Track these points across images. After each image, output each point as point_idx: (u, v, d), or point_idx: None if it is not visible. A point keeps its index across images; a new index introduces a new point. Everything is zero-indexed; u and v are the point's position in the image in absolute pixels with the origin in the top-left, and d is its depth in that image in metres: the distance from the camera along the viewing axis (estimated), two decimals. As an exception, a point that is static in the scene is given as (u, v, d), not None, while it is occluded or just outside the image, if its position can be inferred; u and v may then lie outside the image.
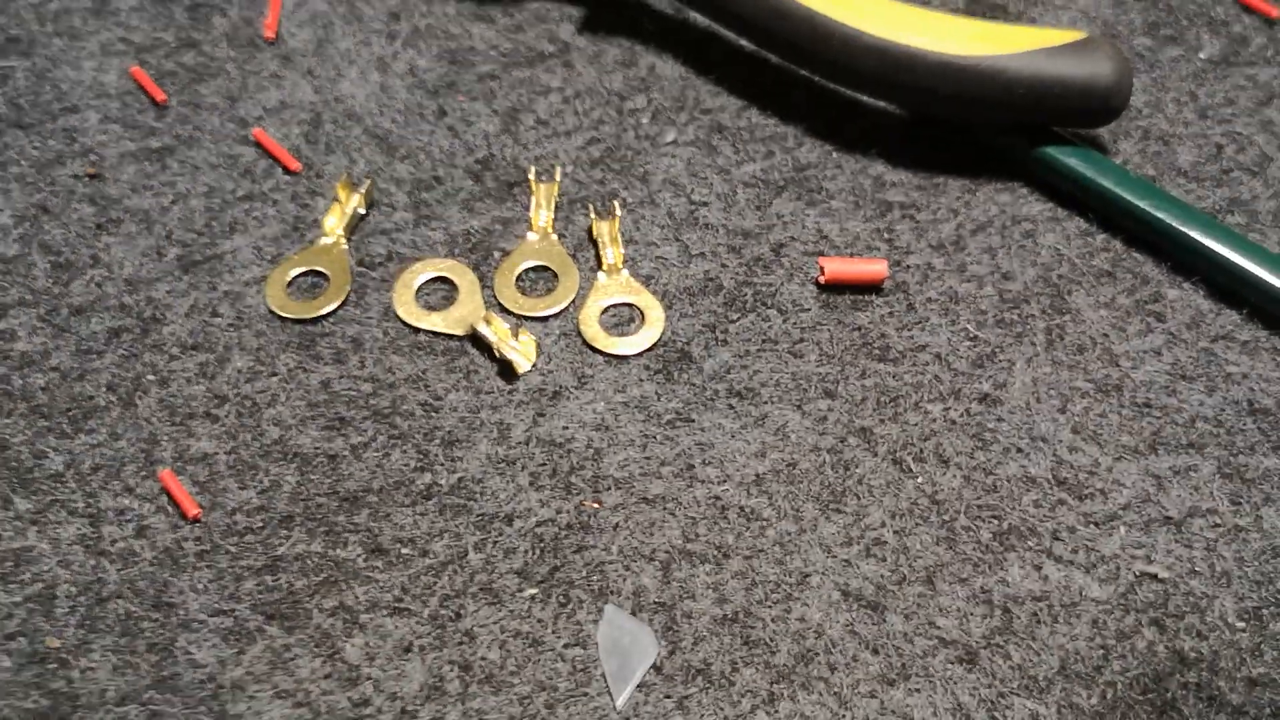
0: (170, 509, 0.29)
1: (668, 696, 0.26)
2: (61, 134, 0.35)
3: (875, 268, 0.33)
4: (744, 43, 0.37)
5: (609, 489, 0.29)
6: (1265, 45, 0.38)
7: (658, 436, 0.30)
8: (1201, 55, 0.38)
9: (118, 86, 0.37)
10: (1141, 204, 0.33)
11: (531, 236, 0.33)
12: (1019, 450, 0.30)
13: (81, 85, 0.37)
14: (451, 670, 0.27)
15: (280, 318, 0.32)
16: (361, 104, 0.36)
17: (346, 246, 0.33)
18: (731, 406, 0.31)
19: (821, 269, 0.33)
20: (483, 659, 0.27)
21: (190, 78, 0.37)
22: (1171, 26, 0.38)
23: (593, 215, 0.34)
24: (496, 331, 0.31)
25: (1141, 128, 0.36)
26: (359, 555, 0.28)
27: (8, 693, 0.26)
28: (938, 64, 0.32)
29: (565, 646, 0.27)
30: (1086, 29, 0.38)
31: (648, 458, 0.30)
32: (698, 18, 0.37)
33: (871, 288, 0.33)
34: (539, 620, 0.27)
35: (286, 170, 0.35)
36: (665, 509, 0.29)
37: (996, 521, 0.29)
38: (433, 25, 0.38)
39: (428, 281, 0.33)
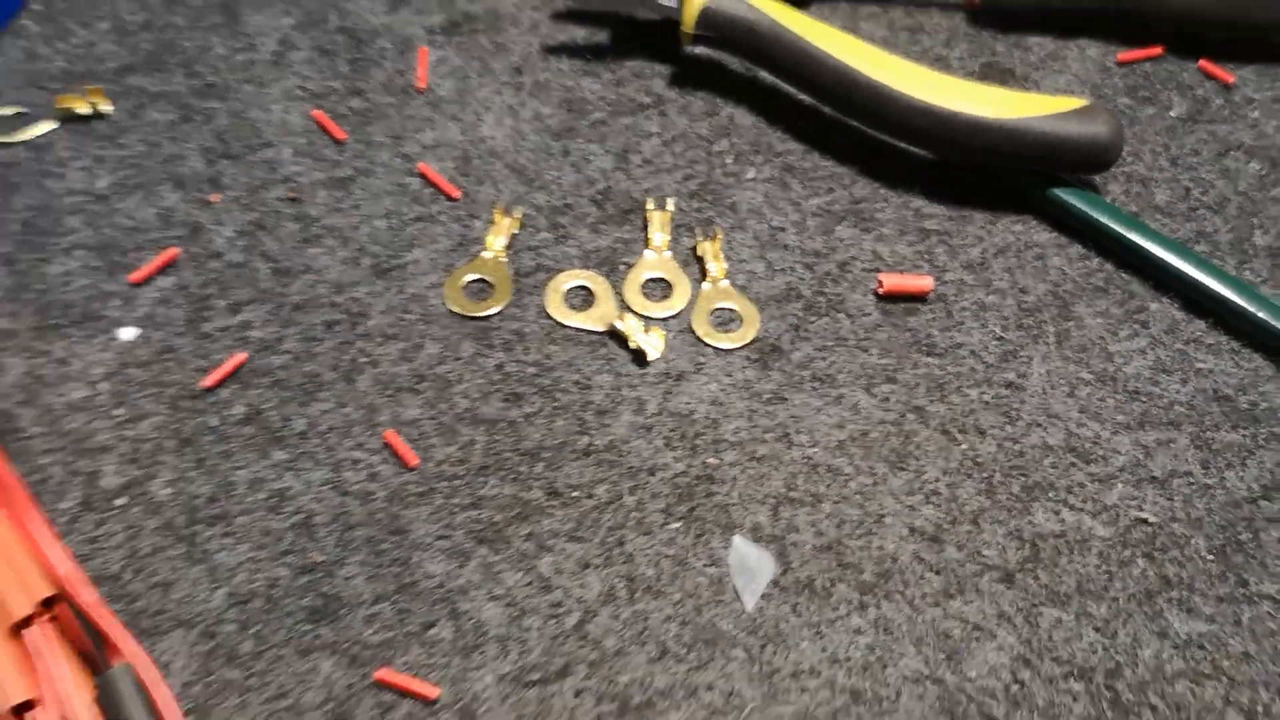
0: (393, 461, 0.38)
1: (784, 603, 0.35)
2: (263, 164, 0.44)
3: (923, 282, 0.42)
4: (804, 97, 0.46)
5: (725, 450, 0.38)
6: (1223, 106, 0.47)
7: (760, 411, 0.39)
8: (1172, 113, 0.47)
9: (303, 126, 0.45)
10: (1128, 235, 0.42)
11: (648, 254, 0.42)
12: (1038, 425, 0.39)
13: (273, 125, 0.45)
14: (620, 582, 0.36)
15: (458, 315, 0.41)
16: (500, 143, 0.45)
17: (505, 260, 0.42)
18: (815, 388, 0.40)
19: (880, 283, 0.42)
20: (642, 574, 0.36)
21: (360, 120, 0.45)
22: (1147, 89, 0.48)
23: (699, 237, 0.43)
24: (630, 327, 0.40)
25: (1126, 173, 0.45)
26: (541, 497, 0.37)
27: (289, 594, 0.35)
28: (974, 124, 0.42)
29: (704, 566, 0.36)
30: (1080, 92, 0.47)
31: (754, 426, 0.39)
32: (766, 75, 0.46)
33: (919, 298, 0.42)
34: (682, 547, 0.36)
35: (448, 197, 0.44)
36: (770, 466, 0.38)
37: (1024, 478, 0.38)
38: (550, 79, 0.47)
39: (571, 288, 0.42)
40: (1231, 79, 0.47)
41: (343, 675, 0.33)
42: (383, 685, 0.33)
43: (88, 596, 0.33)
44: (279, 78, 0.46)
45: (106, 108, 0.45)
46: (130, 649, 0.32)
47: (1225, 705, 0.34)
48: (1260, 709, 0.34)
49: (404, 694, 0.33)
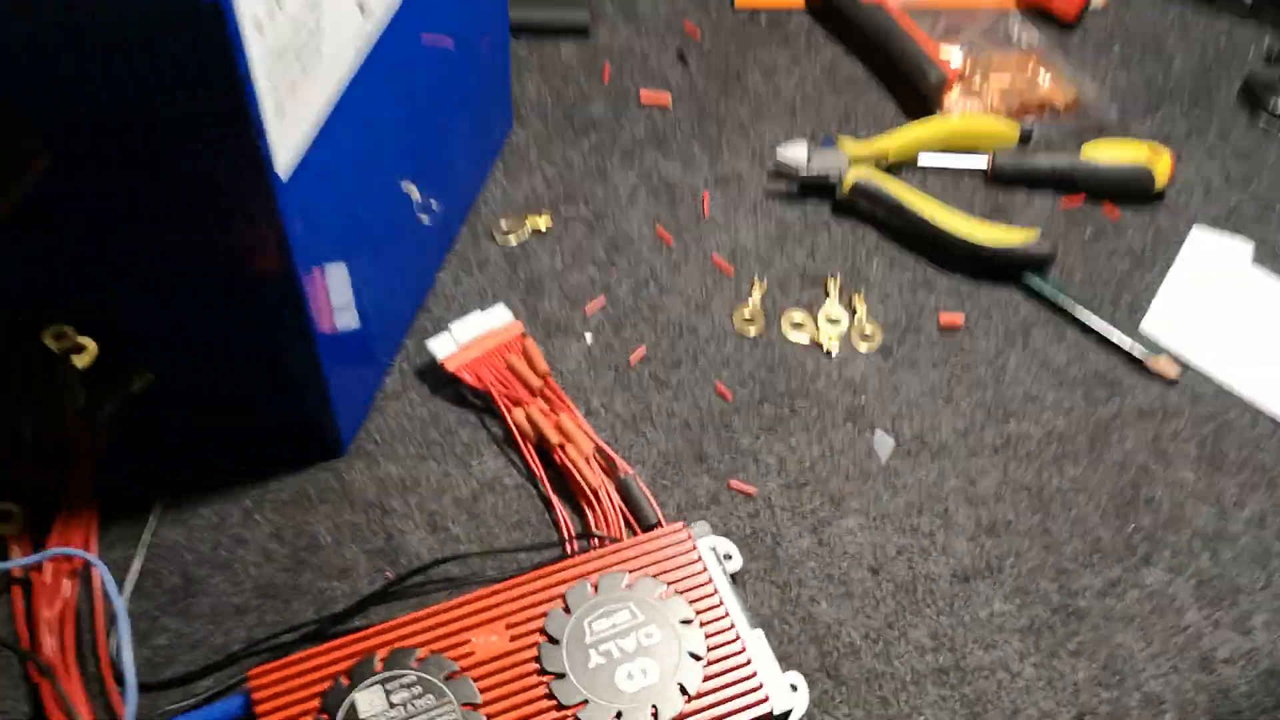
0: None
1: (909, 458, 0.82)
2: (631, 258, 0.91)
3: (955, 318, 0.89)
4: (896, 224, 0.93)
5: (872, 388, 0.85)
6: (1113, 231, 0.95)
7: (885, 370, 0.86)
8: (1086, 235, 0.94)
9: (650, 233, 0.92)
10: (1073, 307, 0.89)
11: (828, 302, 0.90)
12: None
13: (634, 233, 0.92)
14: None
15: (737, 335, 0.88)
16: (749, 243, 0.91)
17: (759, 305, 0.89)
18: (910, 368, 0.87)
19: (939, 319, 0.89)
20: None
21: (680, 230, 0.92)
22: (1073, 221, 0.95)
23: (853, 292, 0.90)
24: (822, 336, 0.87)
25: (1060, 266, 0.92)
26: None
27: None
28: (987, 248, 0.89)
29: (857, 441, 0.83)
30: (1040, 222, 0.94)
31: (891, 377, 0.86)
32: (880, 213, 0.93)
33: (954, 329, 0.89)
34: (848, 437, 0.83)
35: (725, 273, 0.91)
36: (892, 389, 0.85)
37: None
38: (771, 208, 0.93)
39: (794, 322, 0.89)
40: (1118, 214, 0.95)
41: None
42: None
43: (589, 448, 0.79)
44: (632, 206, 0.93)
45: (548, 223, 0.92)
46: (624, 466, 0.79)
47: None
48: None
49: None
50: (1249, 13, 1.00)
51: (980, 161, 0.91)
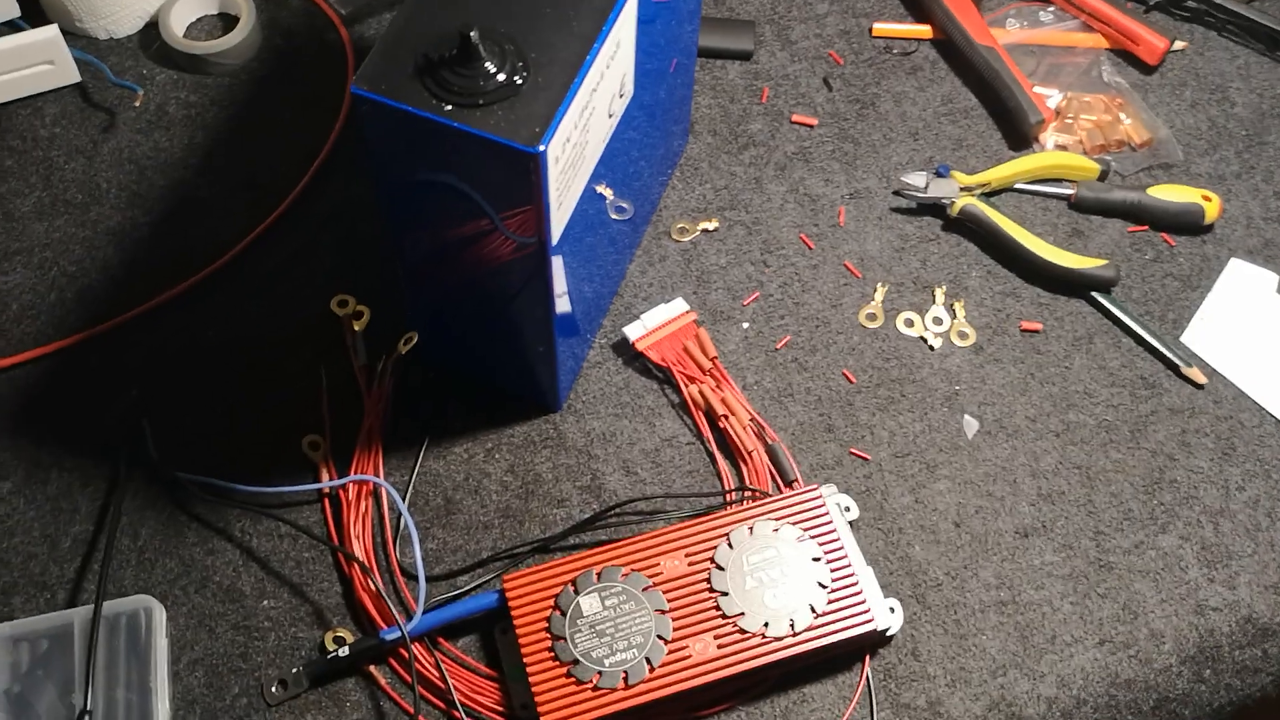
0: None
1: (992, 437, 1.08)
2: (777, 259, 1.16)
3: (1037, 324, 1.13)
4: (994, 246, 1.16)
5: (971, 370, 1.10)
6: (1168, 254, 1.18)
7: (977, 361, 1.11)
8: (1147, 258, 1.18)
9: (794, 240, 1.17)
10: (1123, 318, 1.13)
11: (934, 306, 1.14)
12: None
13: (781, 237, 1.17)
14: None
15: (861, 327, 1.13)
16: (874, 252, 1.16)
17: (882, 304, 1.14)
18: (994, 357, 1.12)
19: (1021, 325, 1.13)
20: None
21: (819, 238, 1.17)
22: (1138, 247, 1.18)
23: (955, 300, 1.15)
24: (928, 332, 1.13)
25: (1123, 288, 1.16)
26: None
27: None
28: (1065, 269, 1.13)
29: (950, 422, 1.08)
30: (1110, 248, 1.17)
31: (980, 367, 1.11)
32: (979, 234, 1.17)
33: (1034, 333, 1.13)
34: (941, 416, 1.09)
35: (854, 276, 1.15)
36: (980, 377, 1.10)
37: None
38: (893, 223, 1.18)
39: (905, 318, 1.14)
40: (1174, 242, 1.18)
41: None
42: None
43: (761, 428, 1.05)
44: (782, 214, 1.18)
45: (715, 225, 1.17)
46: (771, 434, 1.05)
47: None
48: None
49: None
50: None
51: (1066, 189, 1.14)
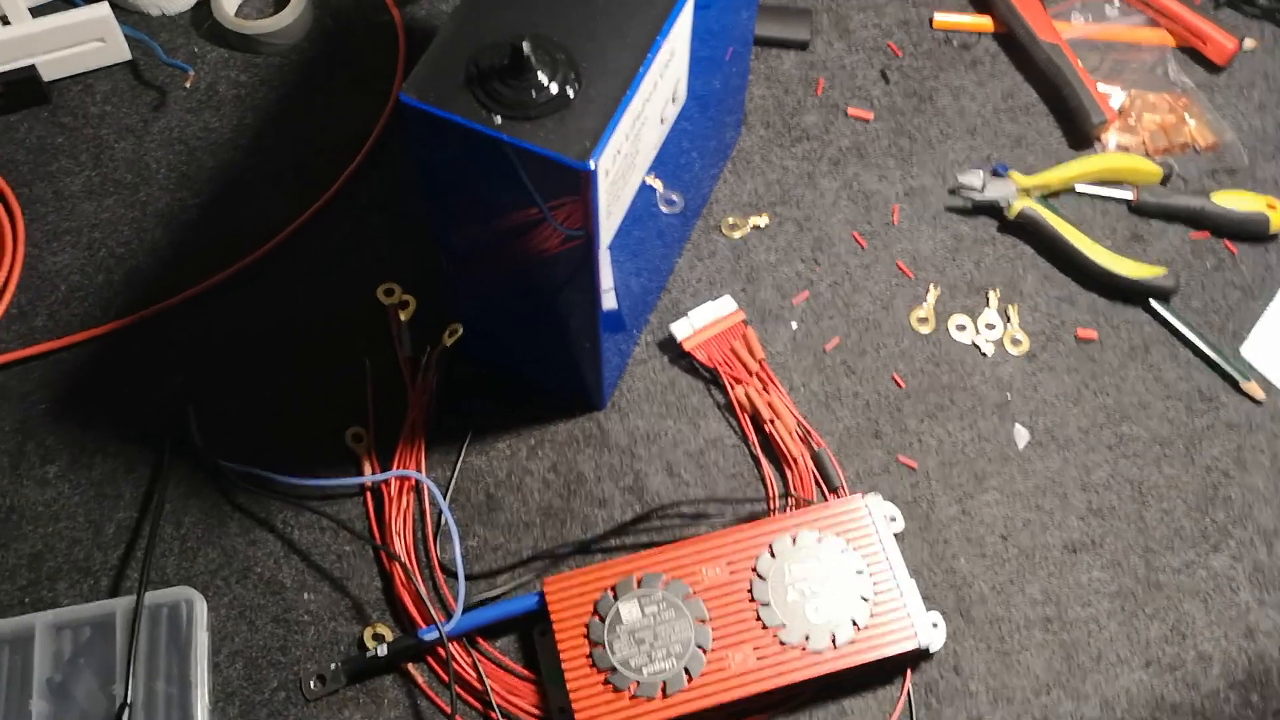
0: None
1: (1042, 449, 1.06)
2: (829, 257, 1.14)
3: (1093, 333, 1.11)
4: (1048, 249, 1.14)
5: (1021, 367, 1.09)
6: (1229, 263, 1.16)
7: (1025, 362, 1.09)
8: (1208, 265, 1.15)
9: (846, 237, 1.15)
10: (1179, 327, 1.11)
11: (987, 310, 1.12)
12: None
13: (833, 235, 1.15)
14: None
15: (912, 330, 1.11)
16: (927, 251, 1.14)
17: (933, 307, 1.12)
18: (1040, 358, 1.10)
19: (1076, 332, 1.11)
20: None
21: (873, 237, 1.15)
22: (1199, 253, 1.16)
23: (1009, 304, 1.13)
24: (979, 338, 1.11)
25: (1182, 297, 1.14)
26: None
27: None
28: (1123, 278, 1.10)
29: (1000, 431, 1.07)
30: (1172, 255, 1.15)
31: (1035, 370, 1.09)
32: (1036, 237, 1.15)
33: (1088, 342, 1.11)
34: (987, 427, 1.07)
35: (906, 275, 1.14)
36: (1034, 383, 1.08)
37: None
38: (948, 223, 1.16)
39: (958, 325, 1.12)
40: (1236, 250, 1.15)
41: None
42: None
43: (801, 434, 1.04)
44: (835, 211, 1.16)
45: (766, 221, 1.15)
46: (818, 439, 1.04)
47: None
48: None
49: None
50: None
51: (1127, 193, 1.11)
